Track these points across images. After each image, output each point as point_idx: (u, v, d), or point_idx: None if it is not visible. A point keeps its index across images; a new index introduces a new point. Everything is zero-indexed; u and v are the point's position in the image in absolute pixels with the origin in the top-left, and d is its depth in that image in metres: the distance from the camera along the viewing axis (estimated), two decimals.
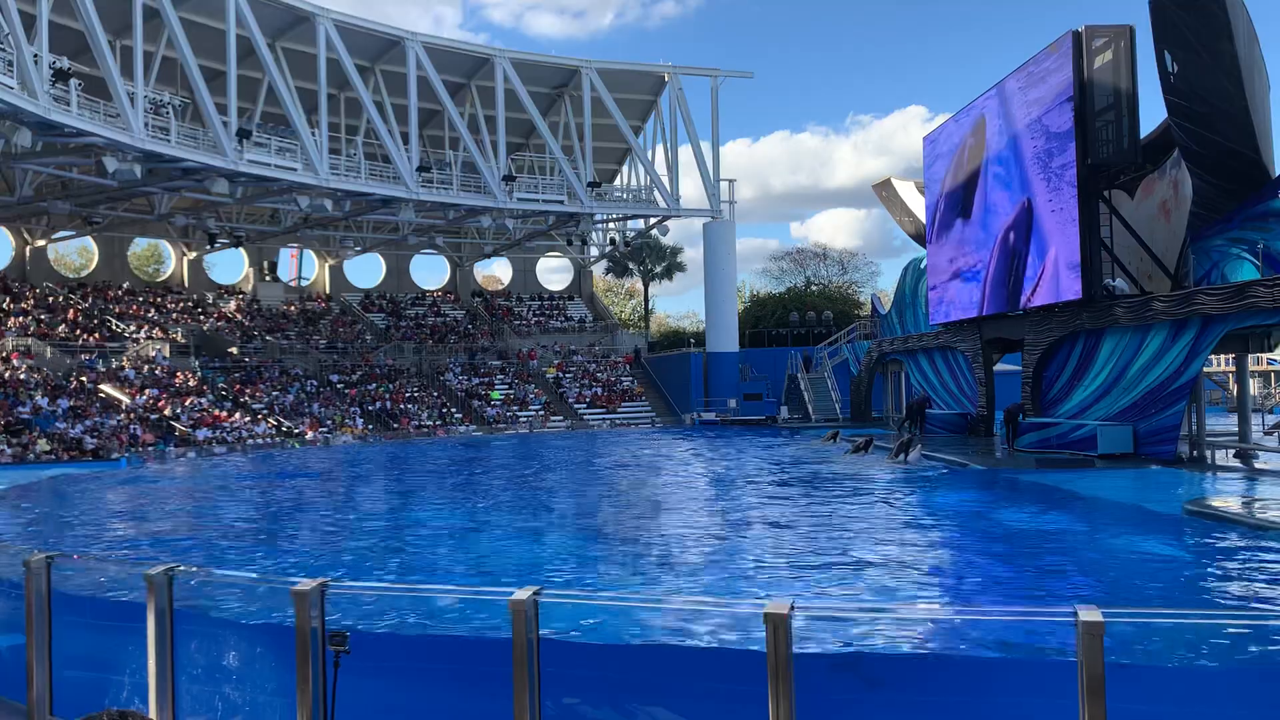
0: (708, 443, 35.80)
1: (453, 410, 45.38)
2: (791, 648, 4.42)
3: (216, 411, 37.42)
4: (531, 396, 48.65)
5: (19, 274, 45.39)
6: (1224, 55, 19.62)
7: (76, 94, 30.02)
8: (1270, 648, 6.79)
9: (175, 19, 33.60)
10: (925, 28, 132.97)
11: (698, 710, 5.02)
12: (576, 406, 48.91)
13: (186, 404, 36.97)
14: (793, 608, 4.48)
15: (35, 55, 28.53)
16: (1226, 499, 16.42)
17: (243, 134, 35.99)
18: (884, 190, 38.92)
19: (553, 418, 46.92)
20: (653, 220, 53.71)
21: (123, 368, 38.34)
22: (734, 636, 7.18)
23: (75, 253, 58.84)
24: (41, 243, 46.72)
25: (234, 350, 44.81)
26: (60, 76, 29.37)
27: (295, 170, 38.59)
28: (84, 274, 50.52)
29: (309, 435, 38.00)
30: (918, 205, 36.16)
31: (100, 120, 31.25)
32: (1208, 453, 21.61)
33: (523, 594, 4.84)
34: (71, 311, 42.94)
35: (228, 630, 6.51)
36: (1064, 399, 25.16)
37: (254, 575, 10.17)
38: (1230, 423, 25.94)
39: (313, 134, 39.18)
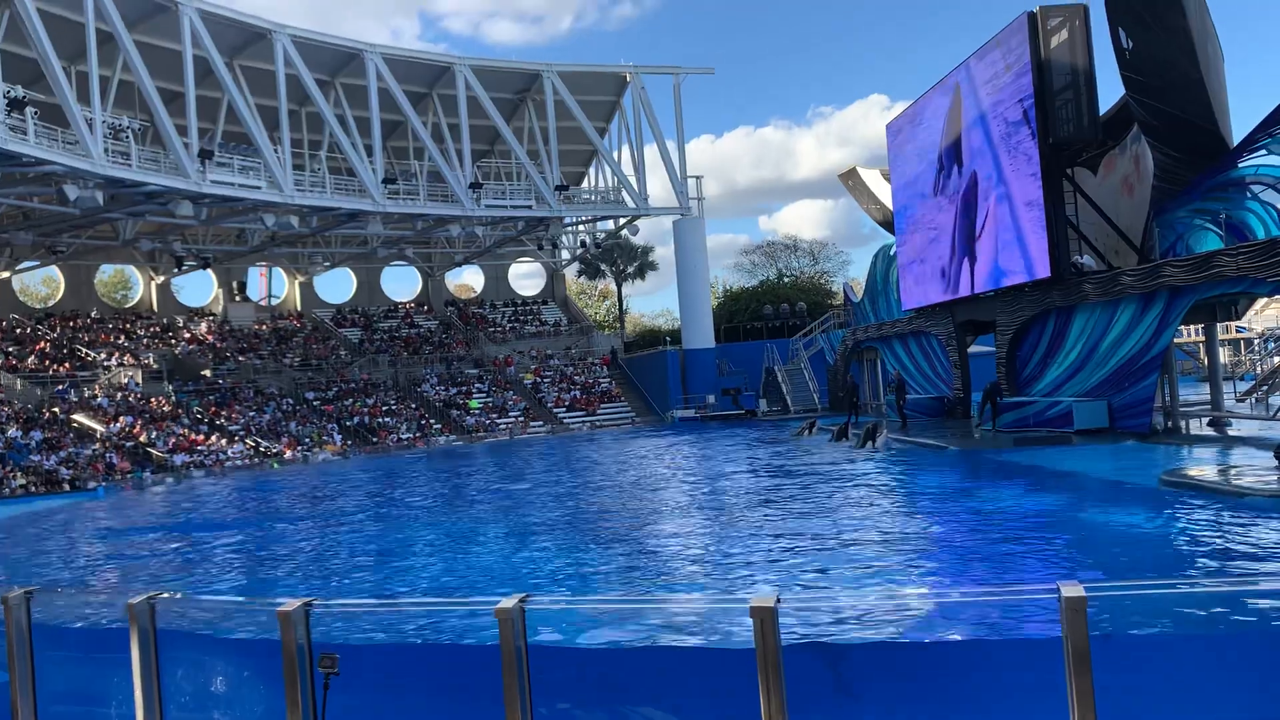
0: (688, 441, 35.81)
1: (432, 421, 45.21)
2: (779, 641, 4.43)
3: (193, 435, 37.13)
4: (510, 403, 48.54)
5: None
6: (1176, 28, 19.83)
7: (33, 122, 29.70)
8: (1250, 615, 6.88)
9: (130, 43, 33.28)
10: (883, 16, 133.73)
11: (691, 708, 5.03)
12: (556, 410, 48.84)
13: (162, 429, 36.66)
14: (778, 600, 4.49)
15: None
16: (1202, 468, 16.60)
17: (205, 154, 35.70)
18: (850, 180, 39.08)
19: (532, 423, 46.84)
20: (622, 220, 53.71)
21: (95, 396, 37.96)
22: (726, 633, 7.19)
23: (40, 283, 58.21)
24: (5, 274, 46.14)
25: (207, 373, 44.45)
26: (15, 106, 29.04)
27: (260, 188, 38.31)
28: (51, 304, 49.96)
29: (287, 454, 37.77)
30: (884, 193, 36.32)
31: (59, 148, 30.91)
32: (1182, 423, 21.85)
33: (509, 602, 4.83)
34: (40, 342, 42.47)
35: (214, 656, 6.46)
36: (1038, 377, 25.37)
37: (239, 599, 10.09)
38: (1203, 392, 26.22)
39: (275, 151, 38.91)
